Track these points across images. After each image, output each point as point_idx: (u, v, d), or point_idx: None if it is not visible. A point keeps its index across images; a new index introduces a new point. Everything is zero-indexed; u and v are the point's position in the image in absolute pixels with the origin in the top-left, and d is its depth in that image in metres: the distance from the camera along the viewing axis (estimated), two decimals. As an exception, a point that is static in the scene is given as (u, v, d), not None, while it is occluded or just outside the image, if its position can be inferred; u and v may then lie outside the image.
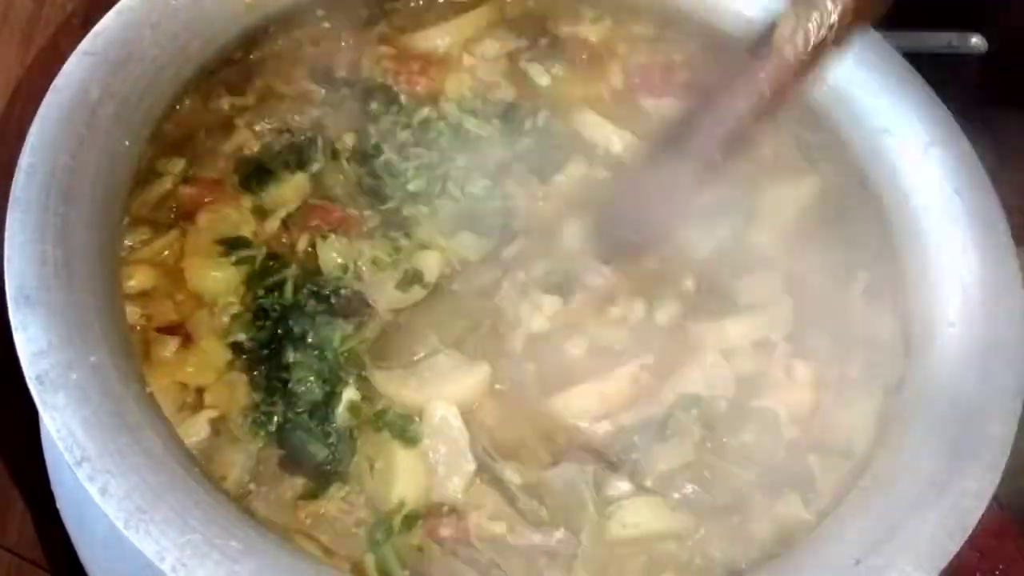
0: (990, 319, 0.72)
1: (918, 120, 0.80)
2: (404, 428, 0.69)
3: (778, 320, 0.76)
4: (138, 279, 0.71)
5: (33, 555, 0.88)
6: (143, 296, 0.71)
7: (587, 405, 0.71)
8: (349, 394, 0.69)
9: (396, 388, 0.70)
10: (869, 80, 0.82)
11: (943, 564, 0.62)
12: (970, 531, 0.63)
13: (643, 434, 0.71)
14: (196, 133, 0.78)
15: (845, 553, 0.62)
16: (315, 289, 0.73)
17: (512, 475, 0.68)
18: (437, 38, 0.87)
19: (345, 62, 0.85)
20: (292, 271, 0.73)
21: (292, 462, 0.68)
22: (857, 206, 0.81)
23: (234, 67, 0.81)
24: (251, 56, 0.83)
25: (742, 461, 0.70)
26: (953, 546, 0.62)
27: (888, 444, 0.69)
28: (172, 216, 0.75)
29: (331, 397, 0.69)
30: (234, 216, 0.75)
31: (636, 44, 0.90)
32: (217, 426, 0.67)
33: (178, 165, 0.76)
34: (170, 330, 0.70)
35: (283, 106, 0.81)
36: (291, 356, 0.70)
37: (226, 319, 0.71)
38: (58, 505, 0.73)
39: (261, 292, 0.72)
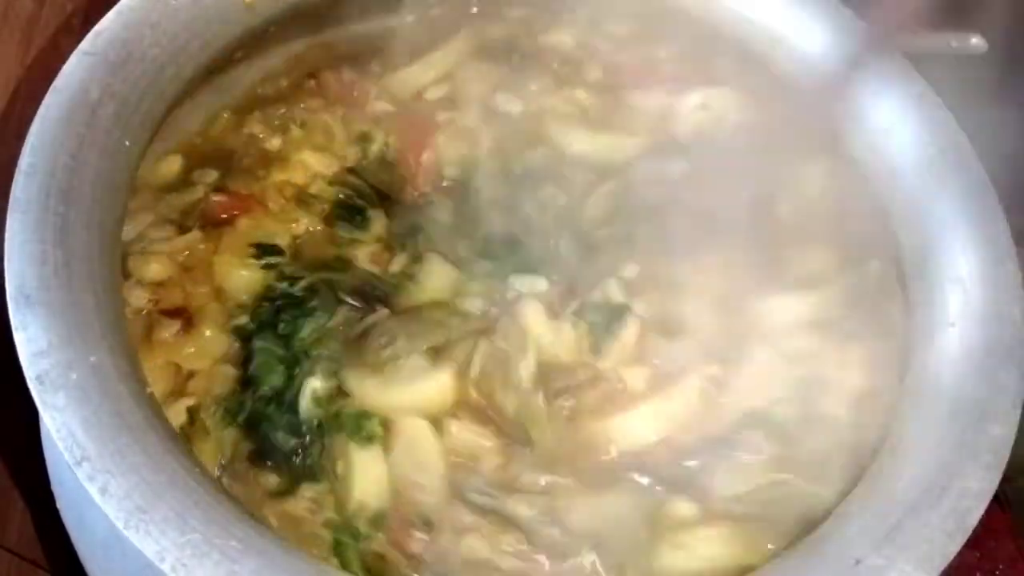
0: (990, 319, 0.72)
1: (918, 120, 0.80)
2: (359, 427, 0.69)
3: (835, 295, 0.75)
4: (155, 269, 0.73)
5: (33, 555, 0.88)
6: (155, 285, 0.73)
7: (648, 429, 0.70)
8: (312, 383, 0.70)
9: (360, 385, 0.70)
10: (869, 80, 0.82)
11: (943, 564, 0.62)
12: (970, 531, 0.63)
13: (709, 455, 0.69)
14: (234, 150, 0.81)
15: (845, 553, 0.62)
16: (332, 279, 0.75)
17: (517, 506, 0.67)
18: (421, 75, 0.87)
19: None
20: (318, 276, 0.75)
21: (262, 456, 0.68)
22: (857, 205, 0.81)
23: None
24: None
25: (811, 471, 0.69)
26: (953, 546, 0.62)
27: (888, 444, 0.69)
28: (198, 222, 0.77)
29: (291, 382, 0.70)
30: (271, 226, 0.77)
31: (616, 43, 0.89)
32: (192, 415, 0.68)
33: (211, 176, 0.79)
34: (174, 313, 0.72)
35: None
36: (257, 343, 0.71)
37: (233, 306, 0.73)
38: (58, 505, 0.73)
39: (273, 279, 0.74)
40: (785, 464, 0.70)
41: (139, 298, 0.72)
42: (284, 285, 0.74)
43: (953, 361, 0.70)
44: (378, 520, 0.66)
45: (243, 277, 0.75)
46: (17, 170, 0.64)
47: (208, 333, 0.72)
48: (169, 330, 0.71)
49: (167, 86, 0.74)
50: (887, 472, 0.67)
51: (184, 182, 0.78)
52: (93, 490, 0.56)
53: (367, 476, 0.67)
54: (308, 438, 0.69)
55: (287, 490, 0.67)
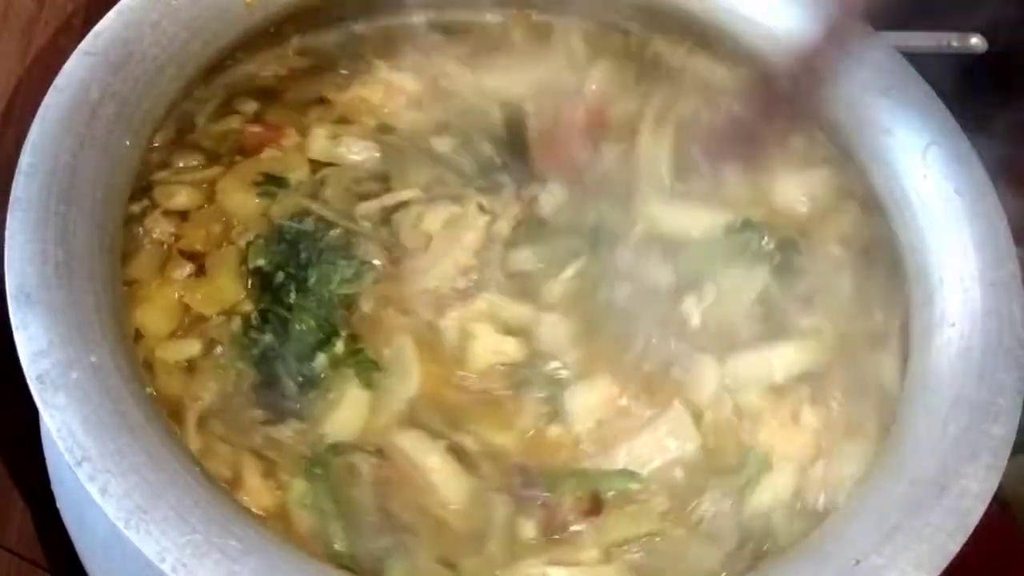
0: (990, 319, 0.72)
1: (918, 120, 0.80)
2: (370, 372, 0.70)
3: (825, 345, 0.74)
4: (179, 199, 0.74)
5: (33, 555, 0.88)
6: (179, 216, 0.74)
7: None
8: (337, 346, 0.70)
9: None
10: (869, 80, 0.82)
11: (943, 564, 0.62)
12: (970, 531, 0.63)
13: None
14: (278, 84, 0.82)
15: (845, 553, 0.62)
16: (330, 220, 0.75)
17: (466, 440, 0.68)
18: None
19: None
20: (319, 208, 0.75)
21: (261, 389, 0.69)
22: (857, 206, 0.81)
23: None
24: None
25: (705, 534, 0.68)
26: (953, 546, 0.62)
27: (888, 444, 0.69)
28: (228, 151, 0.77)
29: (324, 344, 0.70)
30: (289, 160, 0.78)
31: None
32: (207, 349, 0.69)
33: (252, 106, 0.80)
34: (191, 257, 0.73)
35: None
36: (293, 296, 0.71)
37: (243, 244, 0.73)
38: (58, 505, 0.73)
39: (284, 218, 0.74)
40: (678, 519, 0.68)
41: (163, 231, 0.72)
42: (292, 222, 0.74)
43: (953, 361, 0.71)
44: (340, 447, 0.67)
45: (236, 200, 0.74)
46: (17, 170, 0.64)
47: (220, 282, 0.72)
48: (182, 270, 0.72)
49: (167, 86, 0.74)
50: (887, 472, 0.67)
51: (227, 109, 0.79)
52: (93, 490, 0.56)
53: (350, 411, 0.68)
54: (309, 384, 0.69)
55: (276, 420, 0.68)
